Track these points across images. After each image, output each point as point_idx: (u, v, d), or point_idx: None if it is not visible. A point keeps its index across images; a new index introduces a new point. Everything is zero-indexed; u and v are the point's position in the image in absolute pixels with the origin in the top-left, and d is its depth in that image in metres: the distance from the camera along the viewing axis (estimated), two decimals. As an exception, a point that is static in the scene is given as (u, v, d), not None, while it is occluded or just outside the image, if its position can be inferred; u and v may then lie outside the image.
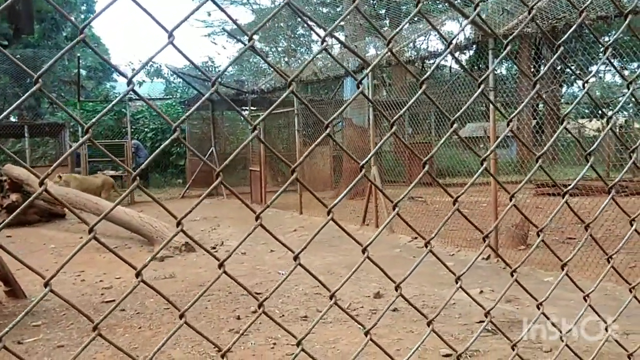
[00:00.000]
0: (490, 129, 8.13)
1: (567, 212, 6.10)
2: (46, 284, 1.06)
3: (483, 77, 1.44)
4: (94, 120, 1.11)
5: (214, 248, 9.06)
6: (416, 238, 9.28)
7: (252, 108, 18.68)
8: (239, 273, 7.12)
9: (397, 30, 1.46)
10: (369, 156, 1.46)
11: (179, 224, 1.17)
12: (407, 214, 9.95)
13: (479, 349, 4.40)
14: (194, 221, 12.36)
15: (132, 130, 20.81)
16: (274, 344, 4.69)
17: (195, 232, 10.24)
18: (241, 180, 18.67)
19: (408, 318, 5.24)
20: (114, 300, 6.10)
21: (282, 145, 20.04)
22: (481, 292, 5.89)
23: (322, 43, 1.27)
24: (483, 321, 4.92)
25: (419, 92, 1.42)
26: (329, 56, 15.55)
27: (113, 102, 1.19)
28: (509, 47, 1.54)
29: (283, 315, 5.42)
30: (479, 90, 1.50)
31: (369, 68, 1.47)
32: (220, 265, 1.22)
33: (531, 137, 16.33)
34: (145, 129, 23.48)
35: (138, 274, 1.14)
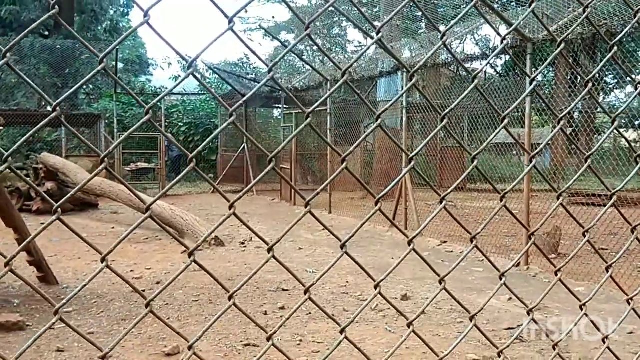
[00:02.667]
0: (525, 135, 8.04)
1: (600, 223, 5.98)
2: (103, 259, 1.10)
3: (535, 74, 1.43)
4: (155, 100, 1.13)
5: (242, 244, 9.13)
6: (445, 242, 9.23)
7: (285, 106, 18.76)
8: (267, 269, 7.15)
9: (453, 23, 1.45)
10: (417, 150, 1.46)
11: (231, 207, 1.19)
12: (437, 218, 9.84)
13: (508, 355, 4.36)
14: (224, 216, 12.46)
15: (166, 124, 21.06)
16: (300, 340, 4.71)
17: (224, 227, 10.31)
18: (271, 178, 18.75)
19: (435, 322, 5.23)
20: (143, 291, 6.18)
21: (313, 144, 20.07)
22: (510, 299, 5.83)
23: (377, 34, 1.27)
24: (512, 328, 4.89)
25: (471, 86, 1.41)
26: (363, 57, 15.53)
27: (183, 77, 1.19)
28: (562, 46, 1.52)
29: (310, 313, 5.44)
30: (531, 86, 1.49)
31: (421, 64, 1.47)
32: (270, 250, 1.24)
33: (567, 145, 16.09)
34: (179, 123, 23.73)
35: (190, 254, 1.17)
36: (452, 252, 8.61)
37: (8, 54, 0.99)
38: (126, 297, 6.00)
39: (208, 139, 1.51)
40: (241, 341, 4.67)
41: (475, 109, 15.54)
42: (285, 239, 9.46)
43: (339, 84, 1.34)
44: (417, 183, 12.79)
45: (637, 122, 19.25)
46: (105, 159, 1.10)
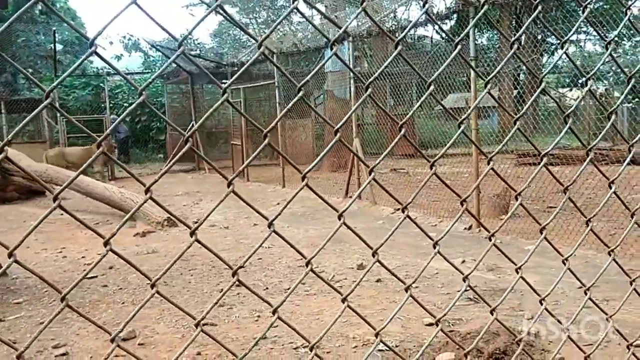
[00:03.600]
0: (471, 99, 8.12)
1: (548, 181, 6.14)
2: (10, 255, 1.02)
3: (459, 38, 1.41)
4: (52, 86, 1.06)
5: (195, 222, 9.01)
6: (399, 210, 9.31)
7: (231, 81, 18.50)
8: (222, 247, 7.10)
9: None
10: (343, 120, 1.42)
11: (147, 191, 1.13)
12: (389, 185, 9.96)
13: (462, 317, 4.44)
14: (176, 196, 12.31)
15: (111, 105, 20.54)
16: (258, 316, 4.69)
17: (177, 207, 10.19)
18: (223, 155, 18.59)
19: (391, 289, 5.27)
20: (96, 277, 6.06)
21: (263, 119, 19.91)
22: (463, 261, 5.93)
23: (293, 2, 1.23)
24: (466, 290, 4.97)
25: (395, 53, 1.38)
26: (309, 28, 15.40)
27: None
28: (485, 7, 1.50)
29: (267, 288, 5.42)
30: (456, 50, 1.47)
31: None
32: (192, 234, 1.19)
33: (512, 107, 16.36)
34: (124, 104, 23.21)
35: (106, 243, 1.10)
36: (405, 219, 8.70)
37: None
38: (78, 285, 5.86)
39: (120, 118, 1.45)
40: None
41: (423, 75, 15.61)
42: (240, 215, 9.41)
43: (255, 55, 1.29)
44: (369, 152, 12.85)
45: (579, 82, 19.69)
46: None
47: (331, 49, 1.25)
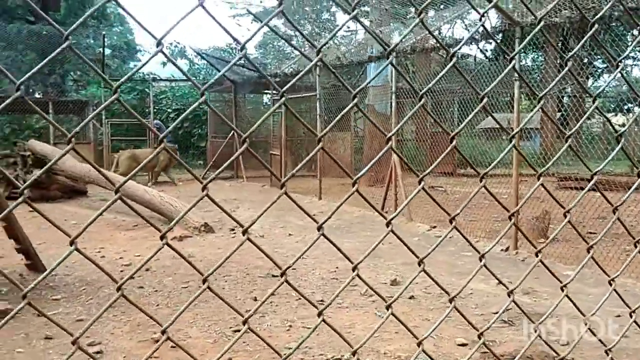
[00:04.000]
0: (514, 120, 8.04)
1: (589, 206, 6.03)
2: (72, 242, 1.07)
3: (514, 53, 1.42)
4: (122, 80, 1.11)
5: (232, 230, 9.11)
6: (435, 227, 9.25)
7: (274, 92, 18.67)
8: (257, 255, 7.15)
9: (427, 2, 1.44)
10: (397, 127, 1.44)
11: (204, 188, 1.17)
12: (426, 203, 9.90)
13: (495, 339, 4.38)
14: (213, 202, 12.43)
15: (155, 110, 20.93)
16: (290, 326, 4.71)
17: (214, 213, 10.28)
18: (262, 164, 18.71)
19: (424, 306, 5.24)
20: (132, 278, 6.16)
21: (303, 130, 20.02)
22: (499, 283, 5.85)
23: (352, 10, 1.25)
24: (497, 312, 4.91)
25: (449, 65, 1.40)
26: (352, 42, 15.46)
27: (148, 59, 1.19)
28: (541, 23, 1.51)
29: (299, 299, 5.44)
30: (510, 65, 1.47)
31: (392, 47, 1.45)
32: (245, 232, 1.22)
33: (555, 129, 16.14)
34: (168, 110, 23.62)
35: (162, 237, 1.15)
36: (441, 237, 8.63)
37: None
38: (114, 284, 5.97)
39: (180, 119, 1.49)
40: (230, 327, 4.67)
41: (465, 94, 15.54)
42: (276, 224, 9.46)
43: (314, 62, 1.32)
44: (407, 169, 12.80)
45: (625, 107, 19.31)
46: (73, 139, 1.07)
47: (387, 58, 1.27)
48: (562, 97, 19.99)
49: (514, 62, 1.47)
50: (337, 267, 6.64)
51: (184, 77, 23.71)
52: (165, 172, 16.56)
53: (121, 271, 6.57)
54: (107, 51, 27.46)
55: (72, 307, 5.27)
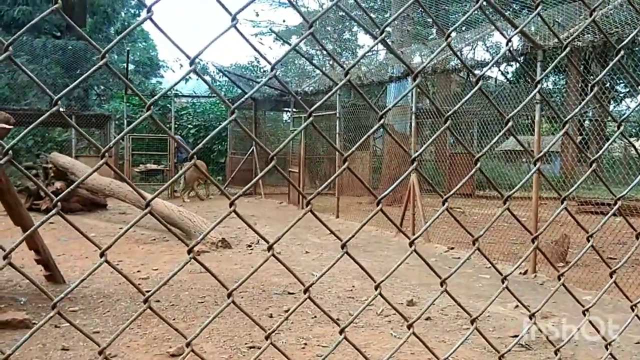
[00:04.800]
0: (534, 142, 8.01)
1: (609, 232, 5.97)
2: (102, 254, 1.10)
3: (540, 77, 1.43)
4: (156, 97, 1.14)
5: (249, 246, 9.13)
6: (452, 248, 9.20)
7: (294, 110, 18.78)
8: (274, 272, 7.15)
9: (458, 23, 1.45)
10: (421, 150, 1.45)
11: (231, 204, 1.19)
12: (444, 224, 9.86)
13: (511, 363, 4.34)
14: (231, 219, 12.40)
15: (176, 126, 21.11)
16: (305, 344, 4.70)
17: (232, 229, 10.33)
18: (280, 181, 18.80)
19: (441, 328, 5.21)
20: (149, 291, 6.19)
21: (322, 149, 20.07)
22: (517, 306, 5.80)
23: (381, 34, 1.27)
24: (517, 335, 4.87)
25: (475, 88, 1.41)
26: (373, 62, 15.52)
27: (185, 75, 1.21)
28: (567, 49, 1.52)
29: (315, 317, 5.43)
30: (536, 89, 1.48)
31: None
32: (270, 248, 1.24)
33: (577, 153, 16.03)
34: (189, 125, 23.81)
35: (190, 251, 1.18)
36: (459, 258, 8.57)
37: (10, 48, 1.00)
38: (132, 298, 6.01)
39: (210, 135, 1.52)
40: (246, 343, 4.67)
41: (484, 116, 15.51)
42: (293, 242, 9.46)
43: (342, 82, 1.34)
44: (425, 189, 12.77)
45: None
46: (106, 154, 1.10)
47: (414, 80, 1.29)
48: (584, 120, 19.87)
49: (539, 86, 1.48)
50: (353, 286, 6.62)
51: (206, 94, 23.97)
52: (193, 187, 16.89)
53: (138, 284, 6.59)
54: (131, 67, 27.80)
55: (90, 319, 5.30)
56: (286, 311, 5.59)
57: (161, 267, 7.54)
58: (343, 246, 1.33)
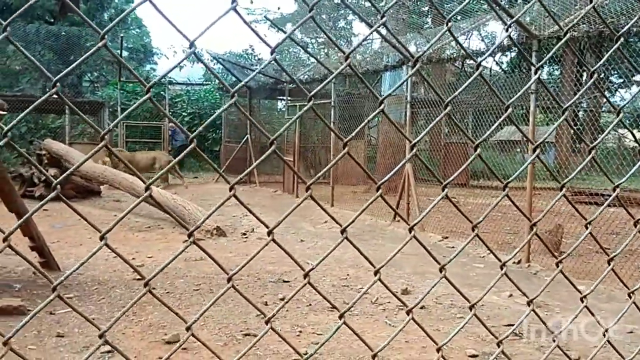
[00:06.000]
0: (529, 132, 8.03)
1: (602, 222, 5.99)
2: (102, 238, 1.11)
3: (538, 65, 1.43)
4: (155, 80, 1.14)
5: (244, 234, 9.14)
6: (447, 237, 9.24)
7: (289, 98, 18.74)
8: (269, 260, 7.17)
9: (458, 9, 1.46)
10: (420, 136, 1.45)
11: (231, 189, 1.20)
12: (438, 213, 9.89)
13: (505, 351, 4.37)
14: (226, 207, 12.45)
15: (170, 113, 21.05)
16: (300, 332, 4.72)
17: (227, 217, 10.32)
18: (274, 169, 18.78)
19: (435, 316, 5.23)
20: (145, 278, 6.21)
21: (316, 137, 20.05)
22: (510, 295, 5.84)
23: (381, 18, 1.27)
24: (512, 324, 4.90)
25: (476, 74, 1.42)
26: (368, 50, 15.49)
27: (183, 58, 1.22)
28: (567, 35, 1.52)
29: (310, 305, 5.45)
30: (535, 76, 1.49)
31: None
32: (270, 233, 1.25)
33: (571, 143, 16.08)
34: (183, 113, 23.74)
35: (190, 235, 1.18)
36: (453, 247, 8.61)
37: (8, 28, 1.00)
38: (127, 285, 6.02)
39: (211, 118, 1.52)
40: (241, 330, 4.69)
41: (479, 105, 15.52)
42: (287, 230, 9.47)
43: (343, 66, 1.34)
44: (420, 178, 12.80)
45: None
46: (106, 136, 1.10)
47: (414, 66, 1.29)
48: (578, 111, 19.90)
49: (539, 73, 1.48)
50: (347, 275, 6.64)
51: (200, 81, 23.87)
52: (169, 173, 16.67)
53: (133, 272, 6.60)
54: (125, 53, 27.68)
55: (85, 305, 5.30)
56: (282, 299, 5.61)
57: (156, 254, 7.54)
58: (343, 231, 1.34)
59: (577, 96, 1.83)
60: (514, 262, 7.55)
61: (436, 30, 12.62)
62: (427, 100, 12.97)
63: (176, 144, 21.45)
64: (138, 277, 6.34)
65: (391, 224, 10.56)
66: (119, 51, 21.59)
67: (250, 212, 1.30)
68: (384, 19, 1.27)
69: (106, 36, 1.08)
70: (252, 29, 1.24)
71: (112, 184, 11.55)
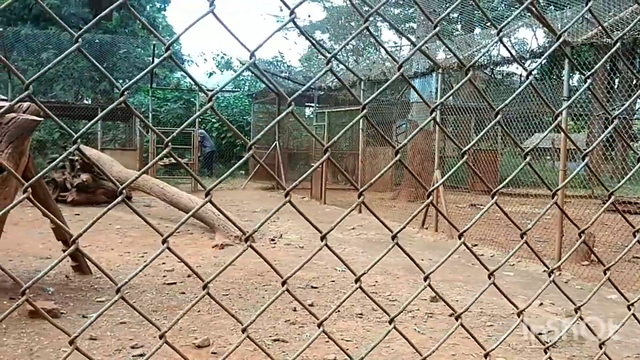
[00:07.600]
0: (561, 140, 7.94)
1: (629, 230, 5.89)
2: (164, 241, 1.15)
3: (590, 72, 1.44)
4: (219, 89, 1.18)
5: (272, 240, 9.19)
6: (476, 245, 9.17)
7: (317, 105, 18.81)
8: (296, 266, 7.19)
9: (511, 18, 1.46)
10: (472, 143, 1.46)
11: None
12: (467, 221, 9.81)
13: (535, 361, 4.33)
14: (254, 212, 12.56)
15: (200, 120, 21.25)
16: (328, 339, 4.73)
17: (255, 223, 10.37)
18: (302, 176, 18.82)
19: (465, 324, 5.19)
20: (174, 283, 6.29)
21: (345, 144, 20.07)
22: (541, 304, 5.78)
23: (435, 26, 1.29)
24: (542, 333, 4.85)
25: (526, 82, 1.43)
26: (397, 57, 15.46)
27: (239, 71, 1.24)
28: (617, 45, 1.52)
29: (339, 311, 5.46)
30: (587, 83, 1.49)
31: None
32: (322, 238, 1.26)
33: (602, 151, 15.85)
34: (212, 119, 23.97)
35: (247, 239, 1.21)
36: (482, 255, 8.55)
37: (80, 40, 1.04)
38: (158, 289, 6.10)
39: (269, 126, 1.55)
40: (270, 336, 4.72)
41: (508, 113, 15.40)
42: (315, 237, 9.48)
43: (395, 76, 1.37)
44: (448, 185, 12.74)
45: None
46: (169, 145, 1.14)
47: (466, 74, 1.31)
48: (606, 118, 19.61)
49: (589, 81, 1.49)
50: (376, 281, 6.64)
51: (229, 89, 24.06)
52: None
53: (163, 276, 6.69)
54: (156, 60, 28.03)
55: (116, 309, 5.38)
56: (310, 305, 5.63)
57: (186, 259, 7.59)
58: (394, 237, 1.36)
59: (628, 103, 1.83)
60: (544, 271, 7.47)
61: (466, 37, 12.56)
62: (456, 107, 12.92)
63: (205, 150, 21.65)
64: (168, 282, 6.43)
65: (419, 231, 10.51)
66: (150, 58, 21.91)
67: (305, 218, 1.33)
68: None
69: (170, 47, 1.12)
70: (310, 39, 1.27)
71: (143, 189, 11.70)
